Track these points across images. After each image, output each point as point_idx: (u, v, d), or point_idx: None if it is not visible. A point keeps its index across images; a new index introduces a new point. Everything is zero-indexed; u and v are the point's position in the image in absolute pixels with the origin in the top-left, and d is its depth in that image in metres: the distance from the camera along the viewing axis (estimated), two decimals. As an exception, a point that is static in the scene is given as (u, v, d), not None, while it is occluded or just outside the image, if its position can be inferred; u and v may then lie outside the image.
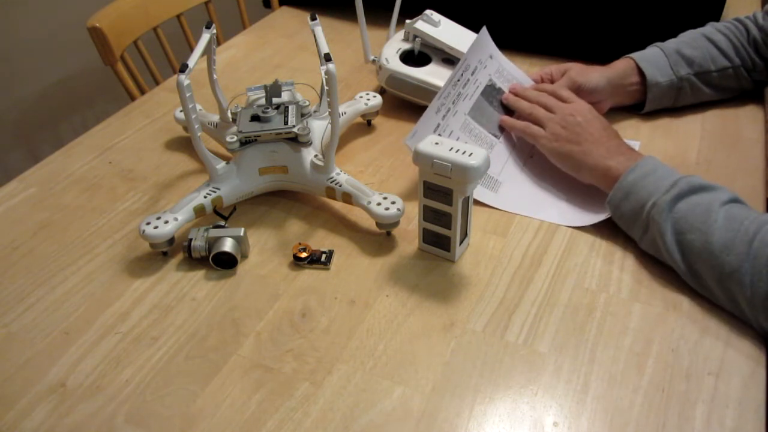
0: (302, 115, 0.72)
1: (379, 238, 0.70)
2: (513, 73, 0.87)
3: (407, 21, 0.92)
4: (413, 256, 0.68)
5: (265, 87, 0.72)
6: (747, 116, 0.87)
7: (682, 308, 0.61)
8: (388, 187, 0.78)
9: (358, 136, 0.88)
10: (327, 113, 0.78)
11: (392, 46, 0.92)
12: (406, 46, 0.92)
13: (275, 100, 0.73)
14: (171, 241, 0.67)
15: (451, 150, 0.59)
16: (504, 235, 0.70)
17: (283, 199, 0.76)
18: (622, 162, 0.68)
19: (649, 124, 0.87)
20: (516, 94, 0.83)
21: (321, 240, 0.70)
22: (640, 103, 0.87)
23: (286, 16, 1.25)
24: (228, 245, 0.65)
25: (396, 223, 0.69)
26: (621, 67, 0.86)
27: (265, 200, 0.76)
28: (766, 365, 0.56)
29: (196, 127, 0.64)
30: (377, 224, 0.69)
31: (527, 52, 1.06)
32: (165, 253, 0.69)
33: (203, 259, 0.67)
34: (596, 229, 0.70)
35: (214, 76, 0.74)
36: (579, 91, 0.81)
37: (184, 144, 0.87)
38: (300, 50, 1.12)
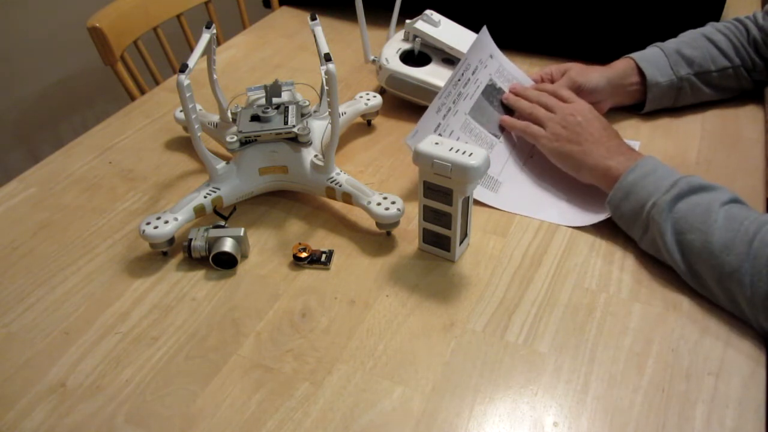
0: (302, 115, 0.72)
1: (379, 238, 0.70)
2: (513, 72, 0.87)
3: (407, 21, 0.92)
4: (413, 256, 0.68)
5: (265, 87, 0.72)
6: (747, 116, 0.87)
7: (682, 308, 0.61)
8: (388, 187, 0.78)
9: (358, 136, 0.88)
10: (327, 113, 0.78)
11: (392, 46, 0.92)
12: (406, 46, 0.92)
13: (275, 100, 0.73)
14: (171, 241, 0.67)
15: (451, 150, 0.59)
16: (504, 235, 0.70)
17: (283, 199, 0.76)
18: (622, 162, 0.68)
19: (649, 124, 0.87)
20: (516, 94, 0.83)
21: (321, 240, 0.70)
22: (640, 103, 0.87)
23: (286, 16, 1.25)
24: (228, 245, 0.65)
25: (396, 223, 0.69)
26: (621, 67, 0.86)
27: (265, 200, 0.76)
28: (766, 365, 0.56)
29: (196, 127, 0.64)
30: (377, 224, 0.69)
31: (527, 52, 1.06)
32: (165, 253, 0.69)
33: (203, 259, 0.67)
34: (596, 229, 0.70)
35: (214, 76, 0.74)
36: (579, 91, 0.81)
37: (184, 144, 0.87)
38: (300, 50, 1.12)
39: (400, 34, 0.94)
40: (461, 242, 0.67)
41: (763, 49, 0.85)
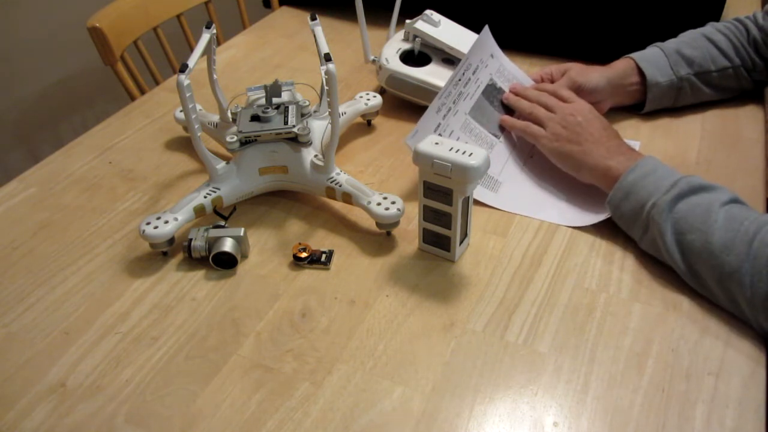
0: (302, 115, 0.72)
1: (379, 238, 0.70)
2: (514, 72, 0.87)
3: (407, 21, 0.92)
4: (413, 256, 0.68)
5: (265, 87, 0.72)
6: (747, 116, 0.87)
7: (682, 308, 0.61)
8: (388, 187, 0.78)
9: (358, 136, 0.88)
10: (327, 113, 0.78)
11: (392, 46, 0.92)
12: (406, 46, 0.92)
13: (275, 100, 0.73)
14: (171, 241, 0.67)
15: (451, 150, 0.59)
16: (504, 235, 0.70)
17: (283, 199, 0.76)
18: (622, 162, 0.68)
19: (649, 124, 0.87)
20: (516, 94, 0.83)
21: (321, 240, 0.70)
22: (640, 103, 0.87)
23: (286, 16, 1.25)
24: (228, 245, 0.65)
25: (396, 223, 0.69)
26: (621, 67, 0.86)
27: (265, 200, 0.76)
28: (766, 365, 0.56)
29: (196, 127, 0.64)
30: (377, 224, 0.69)
31: (527, 52, 1.06)
32: (165, 253, 0.69)
33: (203, 259, 0.67)
34: (596, 229, 0.70)
35: (214, 76, 0.74)
36: (579, 91, 0.81)
37: (184, 144, 0.87)
38: (300, 50, 1.12)
39: (400, 34, 0.94)
40: (461, 242, 0.67)
41: (763, 49, 0.85)
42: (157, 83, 1.10)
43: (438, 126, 0.75)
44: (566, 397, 0.54)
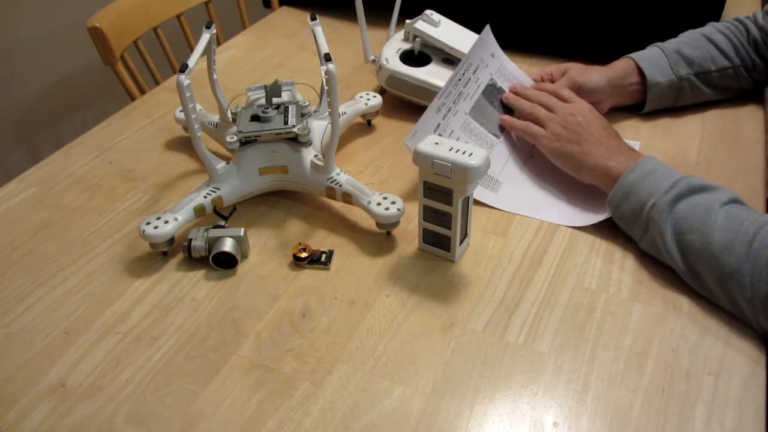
0: (302, 115, 0.72)
1: (379, 238, 0.70)
2: (514, 72, 0.87)
3: (407, 21, 0.92)
4: (413, 256, 0.68)
5: (265, 87, 0.72)
6: (747, 116, 0.87)
7: (682, 308, 0.61)
8: (388, 187, 0.78)
9: (358, 136, 0.88)
10: (327, 113, 0.78)
11: (392, 46, 0.92)
12: (406, 46, 0.92)
13: (275, 100, 0.73)
14: (171, 241, 0.67)
15: (451, 150, 0.59)
16: (504, 235, 0.70)
17: (283, 199, 0.76)
18: (622, 162, 0.68)
19: (649, 124, 0.87)
20: (516, 94, 0.83)
21: (321, 240, 0.70)
22: (640, 103, 0.87)
23: (286, 16, 1.25)
24: (228, 245, 0.65)
25: (396, 223, 0.69)
26: (621, 67, 0.86)
27: (265, 200, 0.76)
28: (766, 365, 0.56)
29: (196, 127, 0.64)
30: (377, 224, 0.69)
31: (527, 52, 1.06)
32: (165, 253, 0.69)
33: (203, 259, 0.67)
34: (596, 229, 0.70)
35: (214, 76, 0.74)
36: (579, 91, 0.81)
37: (184, 144, 0.87)
38: (300, 50, 1.12)
39: (400, 34, 0.94)
40: (461, 242, 0.67)
41: (763, 49, 0.85)
42: (157, 83, 1.10)
43: (438, 126, 0.75)
44: (566, 397, 0.54)
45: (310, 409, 0.53)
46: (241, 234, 0.66)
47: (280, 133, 0.70)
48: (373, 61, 0.93)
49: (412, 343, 0.59)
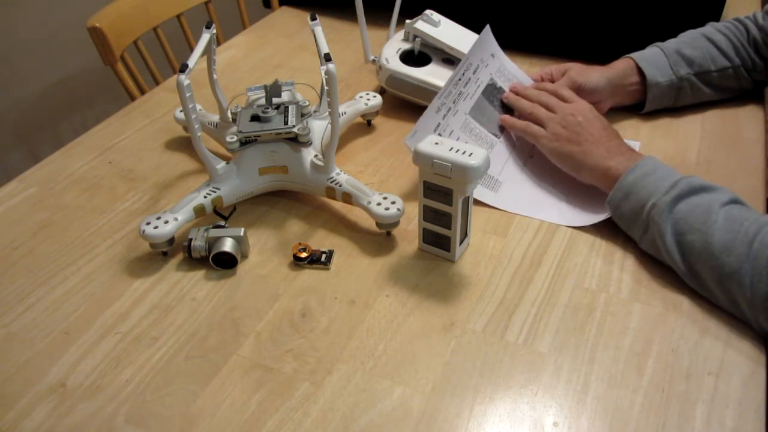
0: (302, 115, 0.72)
1: (379, 238, 0.70)
2: (514, 72, 0.87)
3: (407, 21, 0.92)
4: (413, 256, 0.68)
5: (265, 87, 0.72)
6: (747, 116, 0.87)
7: (682, 308, 0.61)
8: (388, 187, 0.78)
9: (358, 136, 0.88)
10: (327, 113, 0.78)
11: (392, 46, 0.92)
12: (406, 46, 0.92)
13: (275, 100, 0.73)
14: (171, 241, 0.67)
15: (451, 150, 0.59)
16: (504, 235, 0.70)
17: (283, 199, 0.76)
18: (622, 162, 0.68)
19: (649, 124, 0.87)
20: (517, 93, 0.83)
21: (321, 240, 0.70)
22: (640, 103, 0.87)
23: (286, 16, 1.25)
24: (228, 245, 0.65)
25: (396, 223, 0.69)
26: (621, 67, 0.86)
27: (265, 200, 0.76)
28: (766, 365, 0.56)
29: (196, 127, 0.64)
30: (377, 224, 0.69)
31: (527, 52, 1.06)
32: (165, 253, 0.69)
33: (203, 259, 0.67)
34: (596, 229, 0.70)
35: (214, 76, 0.74)
36: (579, 91, 0.81)
37: (184, 144, 0.87)
38: (300, 50, 1.12)
39: (400, 34, 0.94)
40: (461, 242, 0.67)
41: (763, 49, 0.85)
42: (157, 83, 1.10)
43: (438, 126, 0.75)
44: (566, 397, 0.54)
45: (310, 409, 0.53)
46: (241, 234, 0.66)
47: (280, 133, 0.70)
48: (373, 61, 0.93)
49: (412, 343, 0.59)
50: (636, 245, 0.67)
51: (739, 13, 0.92)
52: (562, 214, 0.73)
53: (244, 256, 0.68)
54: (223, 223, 0.68)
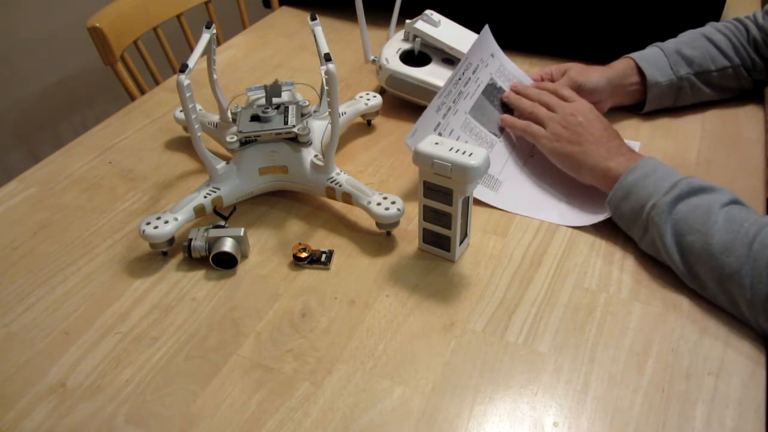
0: (302, 115, 0.72)
1: (379, 238, 0.70)
2: (514, 72, 0.87)
3: (407, 21, 0.92)
4: (413, 256, 0.68)
5: (265, 87, 0.72)
6: (747, 116, 0.87)
7: (682, 308, 0.61)
8: (388, 187, 0.78)
9: (358, 136, 0.88)
10: (327, 113, 0.78)
11: (392, 46, 0.92)
12: (406, 46, 0.92)
13: (275, 100, 0.73)
14: (171, 241, 0.67)
15: (451, 150, 0.59)
16: (504, 235, 0.70)
17: (283, 199, 0.76)
18: (623, 162, 0.68)
19: (649, 124, 0.87)
20: (517, 93, 0.83)
21: (321, 240, 0.70)
22: (640, 103, 0.87)
23: (286, 16, 1.25)
24: (228, 245, 0.65)
25: (396, 223, 0.69)
26: (621, 67, 0.86)
27: (265, 200, 0.76)
28: (766, 365, 0.56)
29: (196, 127, 0.64)
30: (377, 224, 0.69)
31: (527, 52, 1.06)
32: (165, 253, 0.69)
33: (203, 259, 0.67)
34: (596, 229, 0.70)
35: (214, 76, 0.74)
36: (579, 90, 0.81)
37: (184, 144, 0.87)
38: (300, 50, 1.12)
39: (400, 34, 0.94)
40: (461, 242, 0.67)
41: (763, 49, 0.85)
42: (157, 83, 1.10)
43: (438, 125, 0.75)
44: (566, 397, 0.54)
45: (310, 409, 0.53)
46: (241, 234, 0.66)
47: (280, 133, 0.70)
48: (373, 61, 0.93)
49: (412, 343, 0.59)
50: (636, 245, 0.67)
51: (739, 13, 0.92)
52: (562, 214, 0.73)
53: (244, 256, 0.68)
54: (223, 223, 0.68)
